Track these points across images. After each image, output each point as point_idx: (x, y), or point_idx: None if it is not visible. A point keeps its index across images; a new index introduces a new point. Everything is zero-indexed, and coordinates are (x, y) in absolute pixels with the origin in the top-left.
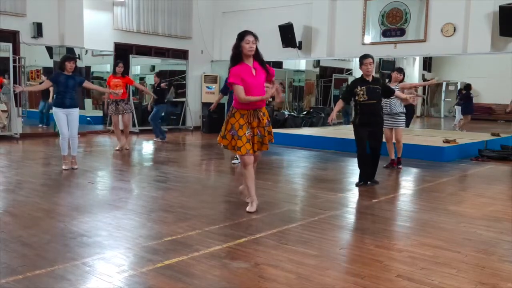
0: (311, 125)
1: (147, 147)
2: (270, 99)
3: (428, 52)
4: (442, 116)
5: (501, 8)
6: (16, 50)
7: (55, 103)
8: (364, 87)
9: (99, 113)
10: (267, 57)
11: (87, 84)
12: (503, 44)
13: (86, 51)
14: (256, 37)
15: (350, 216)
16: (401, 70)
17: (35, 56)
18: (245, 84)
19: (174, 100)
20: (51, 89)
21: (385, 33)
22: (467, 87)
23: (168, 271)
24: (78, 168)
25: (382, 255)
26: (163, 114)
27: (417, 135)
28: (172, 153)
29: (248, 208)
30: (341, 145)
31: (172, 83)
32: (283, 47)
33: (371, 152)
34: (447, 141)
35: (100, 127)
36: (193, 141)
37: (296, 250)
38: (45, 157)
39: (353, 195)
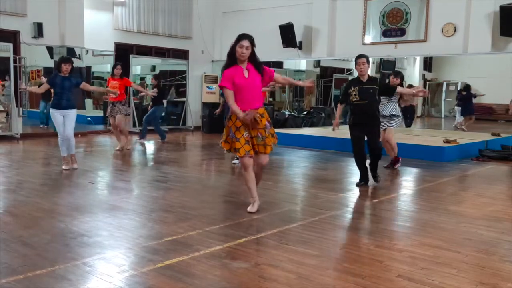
0: (312, 125)
1: (148, 147)
2: (270, 99)
3: (428, 52)
4: (443, 116)
5: (502, 8)
6: (16, 50)
7: (52, 104)
8: (356, 88)
9: (100, 113)
10: (267, 57)
11: (84, 85)
12: (503, 44)
13: (87, 51)
14: (252, 42)
15: (350, 216)
16: (397, 74)
17: (36, 56)
18: (236, 86)
19: (174, 100)
20: (52, 90)
21: (385, 33)
22: (467, 88)
23: (169, 271)
24: (78, 168)
25: (382, 255)
26: (163, 114)
27: (418, 135)
28: (173, 153)
29: (249, 208)
30: (341, 145)
31: (173, 84)
32: (284, 47)
33: (370, 152)
34: (447, 141)
35: (100, 127)
36: (194, 141)
37: (296, 250)
38: (45, 157)
39: (353, 195)
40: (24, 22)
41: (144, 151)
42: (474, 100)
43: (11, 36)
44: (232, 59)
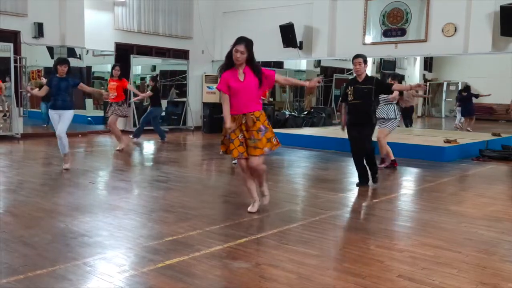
0: (312, 125)
1: (148, 147)
2: (271, 99)
3: (429, 52)
4: (443, 116)
5: (502, 8)
6: (17, 50)
7: (49, 105)
8: (352, 87)
9: (100, 113)
10: (268, 57)
11: (82, 86)
12: (504, 44)
13: (87, 51)
14: (247, 46)
15: (350, 216)
16: (395, 77)
17: (36, 56)
18: (231, 89)
19: (175, 100)
20: None
21: (386, 33)
22: (467, 88)
23: (169, 271)
24: (70, 169)
25: (382, 255)
26: (162, 114)
27: (418, 135)
28: (173, 153)
29: (249, 208)
30: (341, 145)
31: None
32: (284, 47)
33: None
34: (448, 141)
35: (101, 127)
36: (194, 141)
37: (297, 250)
38: (46, 157)
39: (353, 195)
40: (24, 22)
41: (140, 151)
42: (475, 100)
43: (12, 36)
44: (230, 60)
